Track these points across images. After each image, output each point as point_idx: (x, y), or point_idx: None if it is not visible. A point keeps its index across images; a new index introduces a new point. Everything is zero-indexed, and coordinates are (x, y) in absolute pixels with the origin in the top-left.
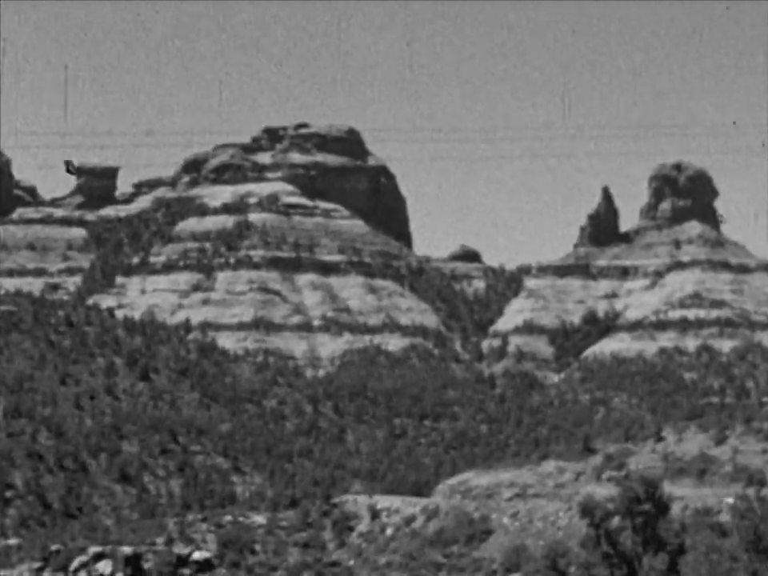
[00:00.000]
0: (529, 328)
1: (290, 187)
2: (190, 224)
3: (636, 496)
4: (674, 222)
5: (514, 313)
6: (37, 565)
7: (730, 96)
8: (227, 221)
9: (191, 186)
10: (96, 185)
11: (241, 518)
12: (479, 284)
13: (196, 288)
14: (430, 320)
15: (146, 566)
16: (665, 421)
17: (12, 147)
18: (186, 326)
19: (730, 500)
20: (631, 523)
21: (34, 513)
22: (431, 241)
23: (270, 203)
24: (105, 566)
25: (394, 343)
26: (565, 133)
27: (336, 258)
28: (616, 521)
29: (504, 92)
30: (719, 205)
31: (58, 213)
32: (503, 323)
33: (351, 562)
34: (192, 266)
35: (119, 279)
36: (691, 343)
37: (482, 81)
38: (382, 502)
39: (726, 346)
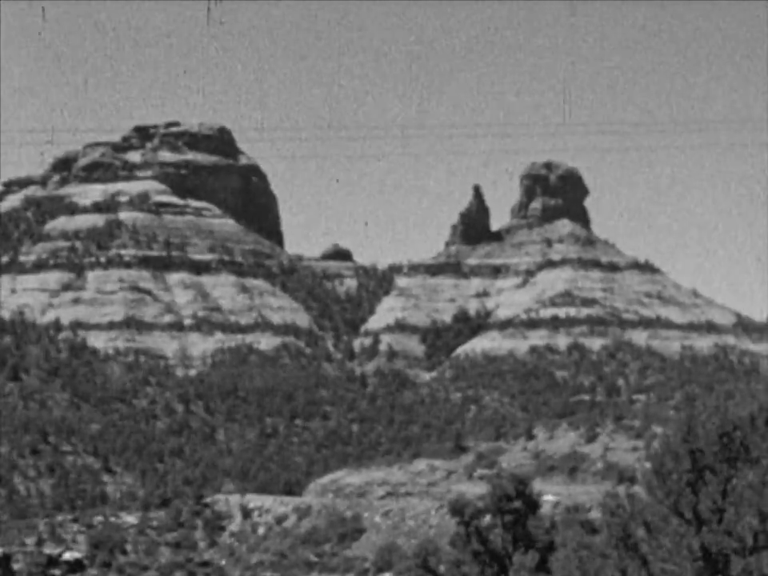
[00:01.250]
0: (400, 326)
1: (160, 186)
2: (60, 223)
3: (506, 493)
4: (545, 221)
5: (386, 311)
6: None
7: (601, 94)
8: (98, 219)
9: (61, 185)
10: None
11: (112, 518)
12: (351, 283)
13: (66, 287)
14: (302, 319)
15: (16, 566)
16: (536, 419)
17: None
18: (57, 326)
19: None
20: (501, 521)
21: None
22: (303, 240)
23: (140, 202)
24: None
25: (266, 342)
26: (437, 131)
27: (207, 256)
28: (486, 519)
29: (373, 89)
30: (589, 204)
31: None
32: (375, 322)
33: (223, 562)
34: (62, 265)
35: None
36: (562, 341)
37: (350, 77)
38: (254, 501)
39: (596, 344)
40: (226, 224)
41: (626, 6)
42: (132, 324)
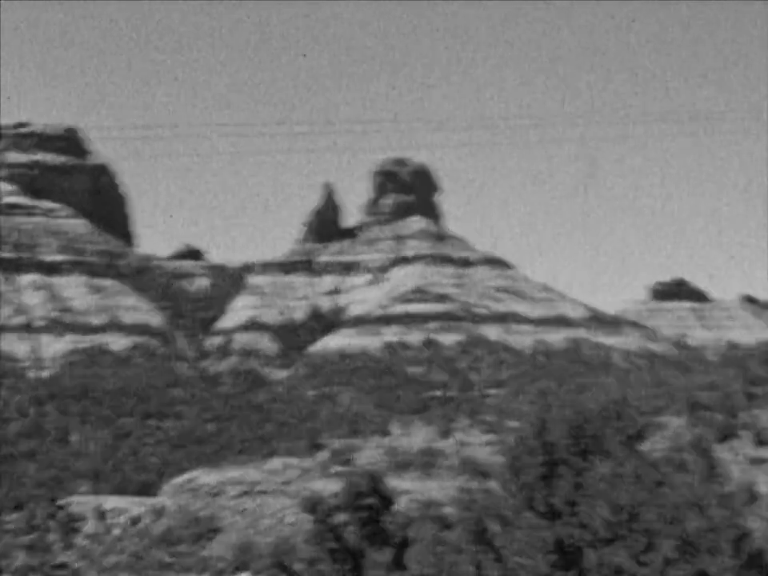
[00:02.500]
0: (253, 325)
1: (9, 186)
2: None
3: (359, 490)
4: (397, 217)
5: (238, 310)
6: None
7: (454, 90)
8: None
9: None
10: None
11: None
12: (203, 282)
13: None
14: (154, 319)
15: None
16: (390, 415)
17: None
18: None
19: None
20: (356, 518)
21: None
22: (154, 239)
23: None
24: None
25: (118, 342)
26: (287, 128)
27: (58, 257)
28: (341, 516)
29: (227, 85)
30: (440, 200)
31: None
32: (227, 320)
33: (78, 564)
34: None
35: None
36: (415, 337)
37: (200, 73)
38: (108, 502)
39: (449, 339)
40: (77, 224)
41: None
42: None
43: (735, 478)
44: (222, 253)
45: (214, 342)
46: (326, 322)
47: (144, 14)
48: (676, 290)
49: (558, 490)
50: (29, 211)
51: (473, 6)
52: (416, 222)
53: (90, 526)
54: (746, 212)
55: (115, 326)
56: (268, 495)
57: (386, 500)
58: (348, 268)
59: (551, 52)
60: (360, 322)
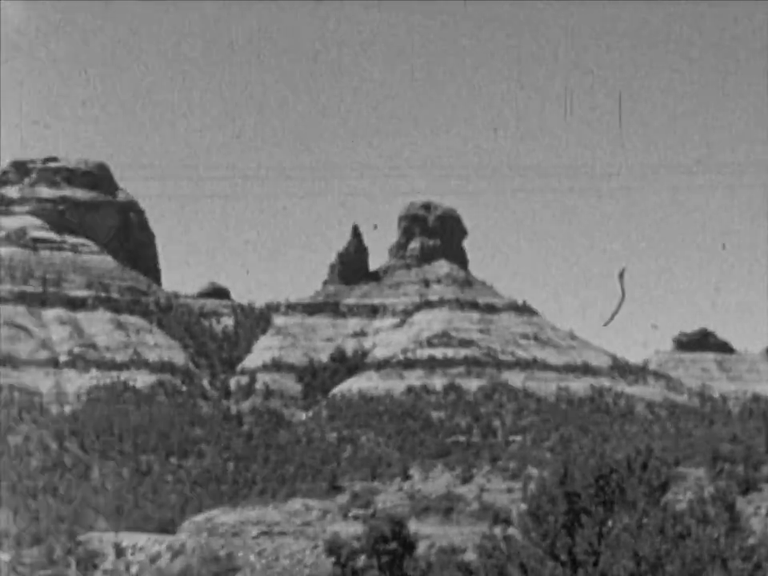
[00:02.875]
0: (277, 365)
1: (38, 221)
2: None
3: (382, 534)
4: (423, 261)
5: (262, 350)
6: None
7: (479, 136)
8: None
9: None
10: None
11: None
12: (228, 321)
13: None
14: (178, 357)
15: None
16: (412, 459)
17: None
18: None
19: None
20: (377, 562)
21: None
22: (180, 277)
23: (17, 237)
24: None
25: (142, 379)
26: (316, 170)
27: (84, 293)
28: (362, 559)
29: (250, 129)
30: (467, 245)
31: None
32: (251, 360)
33: None
34: None
35: None
36: (439, 382)
37: (226, 116)
38: (127, 539)
39: (473, 385)
40: (103, 260)
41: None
42: (7, 360)
43: (757, 531)
44: (248, 292)
45: (237, 381)
46: (349, 364)
47: (181, 53)
48: (701, 341)
49: (581, 539)
50: (56, 246)
51: (506, 51)
52: (442, 267)
53: (108, 563)
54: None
55: (139, 363)
56: (287, 536)
57: (408, 545)
58: (373, 311)
59: (582, 99)
60: (384, 365)
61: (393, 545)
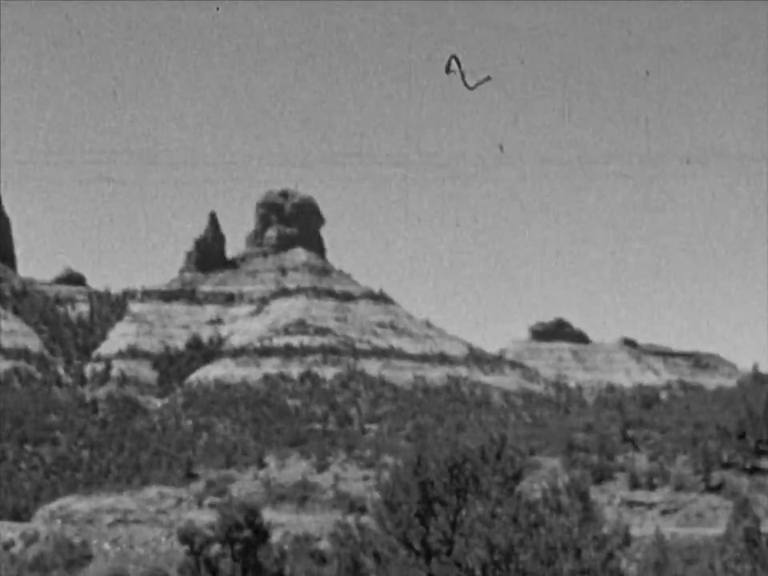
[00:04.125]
0: (132, 352)
1: None
2: None
3: (235, 522)
4: (280, 249)
5: (118, 337)
6: None
7: (335, 125)
8: None
9: None
10: None
11: None
12: (83, 307)
13: None
14: (33, 343)
15: None
16: (267, 447)
17: None
18: None
19: None
20: (231, 550)
21: None
22: (36, 263)
23: None
24: None
25: None
26: (174, 156)
27: None
28: (216, 548)
29: (110, 112)
30: (324, 233)
31: None
32: (107, 347)
33: None
34: None
35: None
36: (295, 370)
37: (84, 100)
38: None
39: (329, 373)
40: None
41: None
42: None
43: (610, 520)
44: (104, 279)
45: (92, 368)
46: (205, 351)
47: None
48: (556, 331)
49: (434, 528)
50: None
51: (363, 42)
52: (299, 255)
53: None
54: (628, 255)
55: None
56: (142, 524)
57: (262, 533)
58: (230, 298)
59: (438, 89)
60: (240, 352)
61: (246, 533)
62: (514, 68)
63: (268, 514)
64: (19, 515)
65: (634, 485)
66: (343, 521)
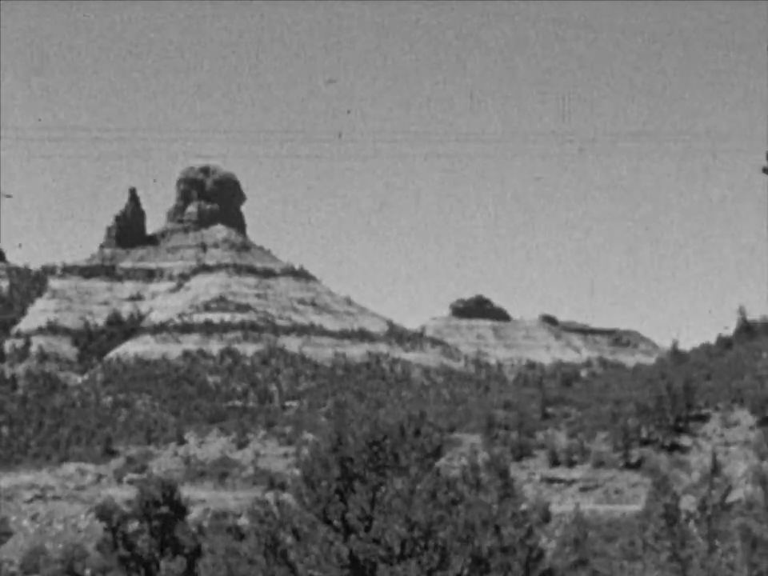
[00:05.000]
0: (52, 329)
1: None
2: None
3: (153, 499)
4: (201, 225)
5: (38, 313)
6: None
7: (257, 101)
8: None
9: None
10: None
11: None
12: (2, 283)
13: None
14: None
15: None
16: (187, 424)
17: None
18: None
19: None
20: (149, 526)
21: None
22: None
23: None
24: None
25: None
26: (94, 131)
27: None
28: (134, 524)
29: (31, 89)
30: (245, 209)
31: None
32: (26, 323)
33: None
34: None
35: None
36: (215, 347)
37: (19, 78)
38: None
39: (249, 349)
40: None
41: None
42: None
43: (529, 497)
44: (23, 254)
45: (12, 344)
46: (126, 328)
47: None
48: (477, 308)
49: (353, 504)
50: None
51: (285, 16)
52: (220, 231)
53: None
54: (548, 232)
55: None
56: (61, 500)
57: (180, 509)
58: (150, 275)
59: (359, 66)
60: (160, 329)
61: (164, 509)
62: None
63: (187, 491)
64: None
65: (554, 462)
66: (262, 497)
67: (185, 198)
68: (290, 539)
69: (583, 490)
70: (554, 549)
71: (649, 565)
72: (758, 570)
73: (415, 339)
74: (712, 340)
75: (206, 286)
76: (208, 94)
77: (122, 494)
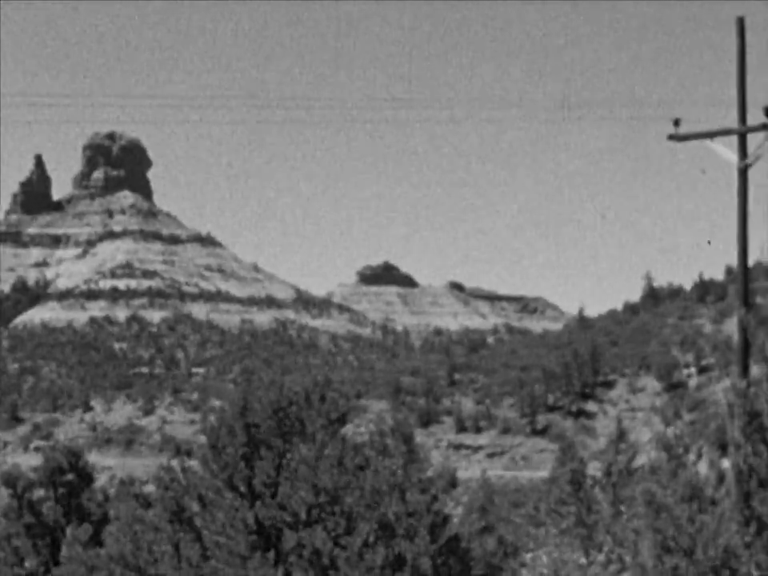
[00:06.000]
0: None
1: None
2: None
3: (59, 466)
4: (107, 191)
5: None
6: None
7: (164, 65)
8: None
9: None
10: None
11: None
12: None
13: None
14: None
15: None
16: (93, 391)
17: None
18: None
19: None
20: (54, 493)
21: None
22: None
23: None
24: None
25: None
26: (12, 99)
27: None
28: (39, 491)
29: None
30: (151, 176)
31: None
32: None
33: None
34: None
35: None
36: (121, 313)
37: None
38: None
39: (156, 316)
40: None
41: None
42: None
43: (436, 463)
44: None
45: None
46: (31, 294)
47: None
48: (384, 275)
49: (259, 471)
50: None
51: None
52: (126, 197)
53: None
54: (455, 199)
55: None
56: None
57: (86, 477)
58: (56, 241)
59: (269, 29)
60: (66, 295)
61: (70, 476)
62: None
63: (94, 458)
64: None
65: (461, 428)
66: (167, 464)
67: (91, 164)
68: (195, 506)
69: (490, 455)
70: (460, 515)
71: (551, 531)
72: (663, 536)
73: (322, 306)
74: (619, 306)
75: (112, 253)
76: (112, 58)
77: (28, 461)
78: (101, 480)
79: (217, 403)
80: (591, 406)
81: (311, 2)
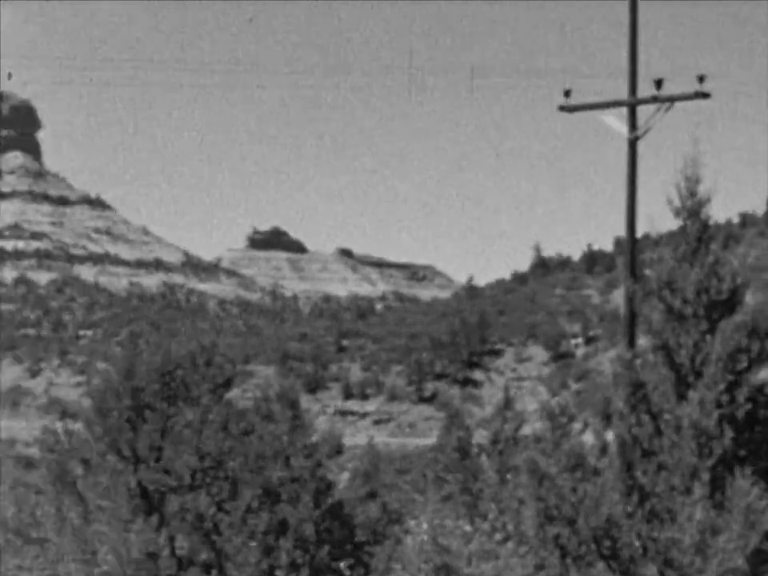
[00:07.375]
0: None
1: None
2: None
3: None
4: None
5: None
6: None
7: (60, 24)
8: None
9: None
10: None
11: None
12: None
13: None
14: None
15: None
16: None
17: None
18: None
19: None
20: None
21: None
22: None
23: None
24: None
25: None
26: None
27: None
28: None
29: None
30: (41, 137)
31: None
32: None
33: None
34: None
35: None
36: (9, 275)
37: None
38: None
39: (44, 278)
40: None
41: None
42: None
43: (322, 429)
44: None
45: None
46: None
47: None
48: (273, 240)
49: (144, 434)
50: None
51: None
52: (16, 158)
53: None
54: (345, 164)
55: None
56: None
57: None
58: None
59: None
60: None
61: None
62: None
63: None
64: None
65: (348, 394)
66: (51, 426)
67: None
68: (79, 469)
69: (377, 422)
70: (345, 481)
71: (432, 497)
72: (545, 504)
73: (211, 270)
74: (507, 276)
75: None
76: (5, 19)
77: None
78: None
79: (103, 366)
80: (478, 375)
81: None
